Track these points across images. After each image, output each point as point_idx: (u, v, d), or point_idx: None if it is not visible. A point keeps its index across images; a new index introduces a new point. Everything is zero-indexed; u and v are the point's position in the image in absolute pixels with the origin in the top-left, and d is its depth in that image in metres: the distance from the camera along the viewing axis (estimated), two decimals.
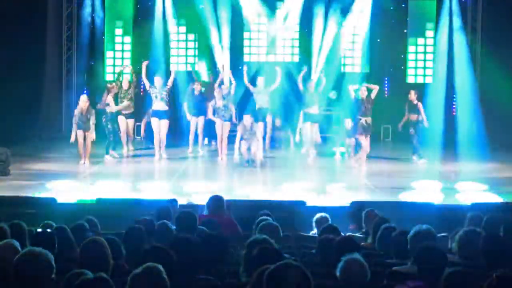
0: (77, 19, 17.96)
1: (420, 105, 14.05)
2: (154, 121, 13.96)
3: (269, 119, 15.00)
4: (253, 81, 15.02)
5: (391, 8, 17.65)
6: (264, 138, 14.39)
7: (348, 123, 13.86)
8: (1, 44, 15.28)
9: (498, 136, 15.52)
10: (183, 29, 17.92)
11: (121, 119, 14.12)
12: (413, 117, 13.91)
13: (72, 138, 13.15)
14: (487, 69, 16.76)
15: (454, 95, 17.42)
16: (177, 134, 15.55)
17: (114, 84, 14.25)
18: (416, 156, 14.00)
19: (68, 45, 18.02)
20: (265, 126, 14.69)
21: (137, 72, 14.69)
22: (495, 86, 16.08)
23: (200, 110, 14.63)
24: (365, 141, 13.49)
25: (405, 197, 10.55)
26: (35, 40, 16.81)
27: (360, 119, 13.57)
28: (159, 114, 13.90)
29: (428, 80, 17.68)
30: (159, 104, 13.86)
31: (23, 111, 16.13)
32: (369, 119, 13.61)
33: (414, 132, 13.87)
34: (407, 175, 12.71)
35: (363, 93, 13.60)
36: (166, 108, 13.91)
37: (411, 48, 17.98)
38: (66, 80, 18.01)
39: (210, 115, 14.30)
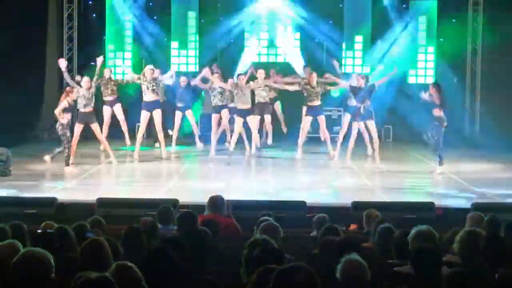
0: (78, 19, 17.96)
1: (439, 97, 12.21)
2: (144, 114, 13.58)
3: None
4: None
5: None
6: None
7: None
8: (1, 45, 15.28)
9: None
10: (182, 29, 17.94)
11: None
12: (434, 111, 12.29)
13: None
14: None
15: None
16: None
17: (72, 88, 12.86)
18: (439, 163, 12.49)
19: (69, 45, 18.02)
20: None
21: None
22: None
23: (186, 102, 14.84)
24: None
25: (405, 197, 10.54)
26: (36, 40, 16.82)
27: (360, 106, 13.12)
28: (149, 106, 13.56)
29: (429, 80, 17.65)
30: (149, 96, 13.51)
31: (24, 111, 16.12)
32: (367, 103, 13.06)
33: (436, 132, 12.27)
34: (408, 175, 12.71)
35: (361, 81, 13.13)
36: (157, 98, 13.65)
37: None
38: None
39: None
